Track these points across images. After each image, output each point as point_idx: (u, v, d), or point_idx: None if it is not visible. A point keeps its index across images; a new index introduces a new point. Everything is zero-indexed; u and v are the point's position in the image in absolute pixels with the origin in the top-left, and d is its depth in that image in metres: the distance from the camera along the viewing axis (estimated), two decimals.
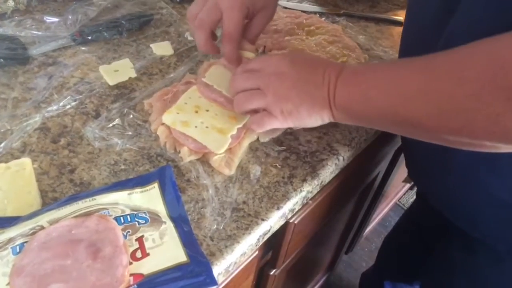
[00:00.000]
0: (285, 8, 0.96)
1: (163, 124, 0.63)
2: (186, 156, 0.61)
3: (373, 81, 0.51)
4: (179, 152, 0.61)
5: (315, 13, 0.97)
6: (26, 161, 0.58)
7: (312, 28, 0.87)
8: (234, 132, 0.62)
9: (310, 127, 0.60)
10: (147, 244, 0.49)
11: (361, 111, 0.53)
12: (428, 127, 0.48)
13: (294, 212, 0.64)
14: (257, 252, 0.68)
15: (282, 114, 0.57)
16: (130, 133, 0.64)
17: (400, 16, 0.98)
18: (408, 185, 1.87)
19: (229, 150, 0.62)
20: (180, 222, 0.53)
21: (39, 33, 0.77)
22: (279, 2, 0.97)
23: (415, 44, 0.64)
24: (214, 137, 0.61)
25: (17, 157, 0.59)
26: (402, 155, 1.09)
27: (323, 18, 0.94)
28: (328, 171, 0.66)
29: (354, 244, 1.65)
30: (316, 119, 0.57)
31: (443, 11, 0.56)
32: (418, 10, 0.63)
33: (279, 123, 0.59)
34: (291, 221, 0.69)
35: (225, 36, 0.63)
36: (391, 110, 0.50)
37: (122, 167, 0.60)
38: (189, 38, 0.83)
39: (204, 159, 0.62)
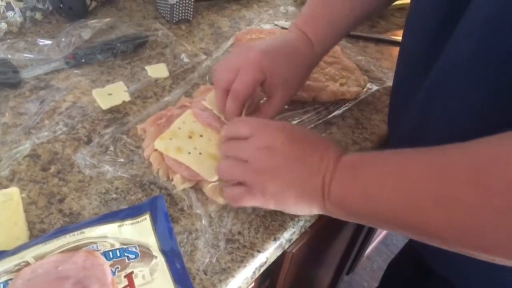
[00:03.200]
0: (283, 28, 0.95)
1: (156, 150, 0.61)
2: (179, 184, 0.59)
3: (375, 175, 0.46)
4: (172, 180, 0.60)
5: None
6: (14, 190, 0.56)
7: None
8: None
9: (293, 214, 0.56)
10: (137, 281, 0.47)
11: (360, 208, 0.47)
12: (446, 238, 0.41)
13: (292, 242, 0.61)
14: (252, 284, 0.66)
15: (264, 195, 0.51)
16: (122, 160, 0.62)
17: (400, 36, 0.97)
18: None
19: None
20: (172, 256, 0.50)
21: (32, 56, 0.75)
22: (277, 23, 0.96)
23: (412, 65, 0.61)
24: (207, 164, 0.59)
25: (6, 186, 0.57)
26: None
27: None
28: None
29: (355, 264, 1.63)
30: (303, 208, 0.52)
31: (441, 31, 0.51)
32: (414, 30, 0.60)
33: (258, 204, 0.53)
34: (288, 250, 0.67)
35: (231, 93, 0.60)
36: (397, 214, 0.44)
37: (113, 196, 0.58)
38: (185, 60, 0.82)
39: (198, 187, 0.60)
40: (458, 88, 0.48)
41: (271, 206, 0.53)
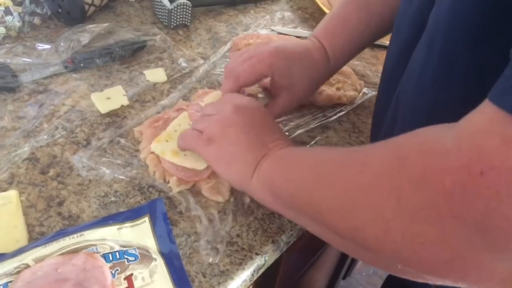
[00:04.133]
0: (280, 33, 0.96)
1: (152, 152, 0.61)
2: (175, 187, 0.59)
3: (300, 161, 0.49)
4: (169, 182, 0.60)
5: None
6: (13, 193, 0.56)
7: None
8: None
9: (224, 178, 0.58)
10: (136, 283, 0.47)
11: (280, 189, 0.49)
12: (327, 222, 0.42)
13: (290, 245, 0.62)
14: (251, 287, 0.66)
15: (208, 139, 0.55)
16: (120, 162, 0.63)
17: None
18: None
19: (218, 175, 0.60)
20: (171, 258, 0.51)
21: (30, 60, 0.76)
22: (274, 28, 0.97)
23: (395, 68, 0.62)
24: (202, 161, 0.59)
25: (5, 189, 0.57)
26: None
27: None
28: None
29: (351, 268, 1.63)
30: (233, 174, 0.54)
31: (411, 40, 0.52)
32: (393, 37, 0.61)
33: (199, 147, 0.56)
34: (286, 253, 0.68)
35: (232, 74, 0.63)
36: (310, 199, 0.44)
37: (112, 199, 0.58)
38: (183, 64, 0.82)
39: (196, 189, 0.61)
40: (414, 95, 0.50)
41: (209, 154, 0.56)
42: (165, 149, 0.60)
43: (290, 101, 0.67)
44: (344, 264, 1.40)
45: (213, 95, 0.69)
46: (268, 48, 0.64)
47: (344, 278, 1.65)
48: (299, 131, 0.73)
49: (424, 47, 0.47)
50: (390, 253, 0.36)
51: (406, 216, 0.33)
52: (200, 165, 0.60)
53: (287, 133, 0.72)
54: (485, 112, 0.29)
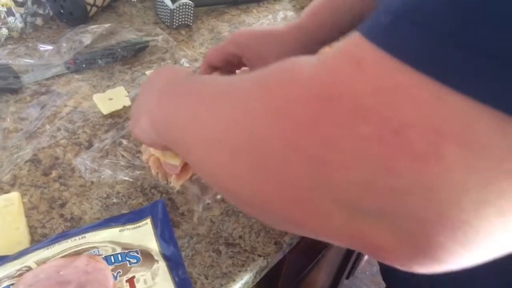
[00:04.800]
0: None
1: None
2: (176, 183, 0.59)
3: (179, 91, 0.43)
4: (170, 182, 0.60)
5: None
6: (15, 195, 0.56)
7: None
8: None
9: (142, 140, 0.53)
10: (139, 286, 0.47)
11: (162, 122, 0.45)
12: (191, 160, 0.39)
13: (292, 246, 0.62)
14: None
15: (134, 119, 0.52)
16: (123, 164, 0.63)
17: None
18: None
19: None
20: (174, 260, 0.51)
21: (32, 61, 0.76)
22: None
23: None
24: None
25: (7, 191, 0.57)
26: None
27: None
28: None
29: (355, 268, 1.63)
30: (143, 122, 0.49)
31: None
32: None
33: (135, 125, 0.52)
34: (289, 254, 0.67)
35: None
36: (182, 130, 0.40)
37: (115, 200, 0.58)
38: (185, 64, 0.82)
39: (197, 190, 0.60)
40: None
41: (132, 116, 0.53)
42: (166, 150, 0.60)
43: None
44: (347, 264, 1.40)
45: None
46: (239, 30, 0.67)
47: (347, 277, 1.64)
48: None
49: None
50: (238, 189, 0.32)
51: (256, 149, 0.29)
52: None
53: None
54: (350, 39, 0.25)
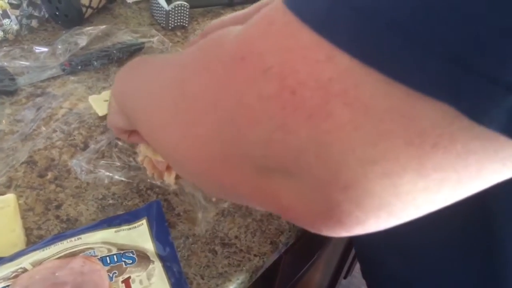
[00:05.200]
0: None
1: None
2: (170, 178, 0.59)
3: (140, 70, 0.44)
4: (165, 181, 0.60)
5: None
6: (10, 197, 0.56)
7: None
8: None
9: (113, 122, 0.53)
10: (134, 286, 0.47)
11: (121, 94, 0.46)
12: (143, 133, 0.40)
13: (288, 245, 0.62)
14: None
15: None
16: (118, 164, 0.63)
17: None
18: None
19: None
20: (169, 260, 0.51)
21: (28, 63, 0.76)
22: None
23: None
24: None
25: (2, 193, 0.57)
26: None
27: None
28: None
29: (352, 267, 1.63)
30: (112, 104, 0.51)
31: None
32: None
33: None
34: (285, 254, 0.68)
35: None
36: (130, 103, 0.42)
37: (110, 201, 0.58)
38: None
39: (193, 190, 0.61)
40: None
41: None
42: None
43: None
44: (345, 263, 1.40)
45: None
46: (210, 23, 0.65)
47: (345, 277, 1.64)
48: None
49: None
50: (165, 149, 0.35)
51: (186, 107, 0.31)
52: None
53: None
54: (268, 7, 0.26)
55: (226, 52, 0.27)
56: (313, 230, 0.27)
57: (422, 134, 0.21)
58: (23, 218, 0.55)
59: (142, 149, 0.62)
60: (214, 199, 0.60)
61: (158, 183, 0.61)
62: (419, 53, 0.19)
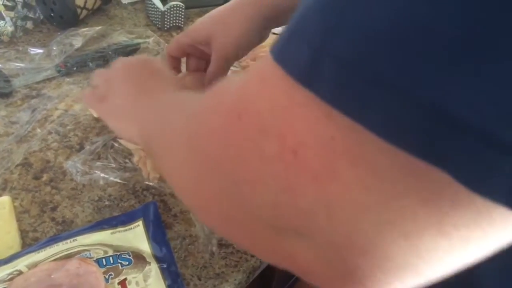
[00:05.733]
0: (274, 34, 0.96)
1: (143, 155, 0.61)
2: (153, 171, 0.59)
3: (157, 105, 0.46)
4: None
5: None
6: (6, 199, 0.56)
7: None
8: None
9: (117, 134, 0.56)
10: None
11: (144, 131, 0.47)
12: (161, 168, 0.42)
13: None
14: None
15: (100, 96, 0.54)
16: (114, 166, 0.62)
17: None
18: None
19: None
20: (166, 262, 0.50)
21: (23, 65, 0.75)
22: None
23: None
24: None
25: None
26: None
27: None
28: None
29: None
30: (124, 126, 0.52)
31: None
32: None
33: (94, 103, 0.56)
34: None
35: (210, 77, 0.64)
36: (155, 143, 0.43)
37: (106, 203, 0.58)
38: None
39: None
40: None
41: (103, 108, 0.55)
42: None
43: (223, 46, 0.64)
44: None
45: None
46: (197, 20, 0.66)
47: None
48: None
49: None
50: (184, 200, 0.36)
51: (183, 167, 0.32)
52: None
53: None
54: (264, 56, 0.25)
55: (222, 108, 0.27)
56: None
57: (436, 192, 0.19)
58: (19, 220, 0.55)
59: (139, 150, 0.62)
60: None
61: (155, 184, 0.61)
62: (407, 111, 0.18)
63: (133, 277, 0.47)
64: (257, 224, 0.26)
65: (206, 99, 0.31)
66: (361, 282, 0.23)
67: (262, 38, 0.68)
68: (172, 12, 0.89)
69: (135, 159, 0.62)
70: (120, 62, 0.57)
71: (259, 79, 0.24)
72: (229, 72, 0.69)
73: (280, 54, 0.22)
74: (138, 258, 0.49)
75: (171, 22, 0.91)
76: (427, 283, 0.23)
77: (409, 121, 0.18)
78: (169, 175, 0.37)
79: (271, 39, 0.88)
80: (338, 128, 0.20)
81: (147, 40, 0.86)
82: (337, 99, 0.20)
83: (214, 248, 0.55)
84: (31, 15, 0.84)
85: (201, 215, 0.33)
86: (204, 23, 0.64)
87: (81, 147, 0.65)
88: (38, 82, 0.74)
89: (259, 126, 0.23)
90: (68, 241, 0.50)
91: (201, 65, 0.68)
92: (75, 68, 0.76)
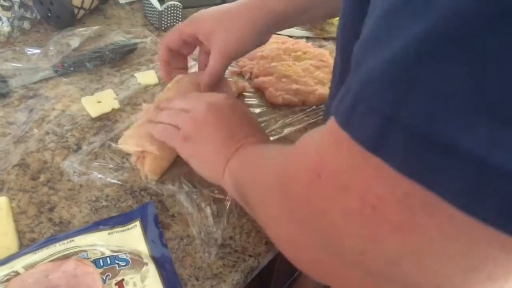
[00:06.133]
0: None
1: (143, 155, 0.61)
2: (140, 164, 0.61)
3: (250, 160, 0.50)
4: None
5: (302, 37, 0.96)
6: (3, 200, 0.56)
7: (299, 53, 0.86)
8: None
9: (200, 174, 0.58)
10: None
11: (238, 185, 0.51)
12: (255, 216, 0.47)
13: None
14: None
15: (184, 136, 0.56)
16: (112, 166, 0.62)
17: None
18: None
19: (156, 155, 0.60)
20: (163, 262, 0.50)
21: (20, 65, 0.75)
22: None
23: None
24: None
25: None
26: None
27: (310, 43, 0.93)
28: None
29: None
30: (208, 169, 0.56)
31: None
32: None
33: (176, 142, 0.57)
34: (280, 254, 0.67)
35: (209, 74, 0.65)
36: (248, 199, 0.48)
37: (104, 203, 0.58)
38: None
39: (186, 190, 0.60)
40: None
41: (185, 151, 0.57)
42: (139, 141, 0.60)
43: (225, 45, 0.65)
44: None
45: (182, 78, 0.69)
46: (197, 12, 0.67)
47: None
48: (289, 129, 0.73)
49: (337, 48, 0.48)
50: (278, 246, 0.40)
51: (276, 218, 0.36)
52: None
53: (278, 130, 0.72)
54: (329, 122, 0.28)
55: (306, 167, 0.29)
56: None
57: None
58: (16, 221, 0.55)
59: (136, 150, 0.62)
60: (208, 199, 0.59)
61: (152, 184, 0.60)
62: (484, 180, 0.19)
63: (130, 277, 0.47)
64: (348, 268, 0.29)
65: (290, 156, 0.35)
66: None
67: (262, 41, 0.69)
68: (169, 12, 0.89)
69: (132, 159, 0.62)
70: (206, 104, 0.57)
71: (334, 140, 0.26)
72: (227, 71, 0.70)
73: (347, 121, 0.24)
74: (136, 259, 0.49)
75: (169, 22, 0.91)
76: None
77: (489, 191, 0.19)
78: (264, 224, 0.42)
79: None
80: (411, 186, 0.21)
81: (145, 40, 0.86)
82: (405, 167, 0.21)
83: (212, 249, 0.54)
84: (28, 15, 0.84)
85: (296, 262, 0.36)
86: (208, 17, 0.65)
87: (78, 148, 0.64)
88: (35, 83, 0.74)
89: (336, 184, 0.26)
90: (65, 241, 0.50)
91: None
92: (72, 68, 0.76)
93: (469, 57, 0.18)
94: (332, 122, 0.27)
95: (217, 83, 0.67)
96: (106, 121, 0.70)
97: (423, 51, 0.19)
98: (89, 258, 0.48)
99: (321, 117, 0.76)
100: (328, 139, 0.27)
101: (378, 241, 0.24)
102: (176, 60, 0.70)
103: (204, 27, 0.64)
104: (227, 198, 0.60)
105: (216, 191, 0.61)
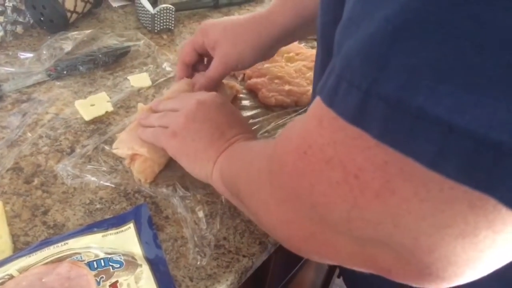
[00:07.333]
0: None
1: (135, 157, 0.61)
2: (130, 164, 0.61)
3: (237, 154, 0.51)
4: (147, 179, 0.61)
5: None
6: None
7: (291, 54, 0.87)
8: None
9: (189, 172, 0.58)
10: None
11: (226, 178, 0.51)
12: (245, 206, 0.47)
13: (278, 245, 0.62)
14: None
15: (171, 133, 0.56)
16: (105, 169, 0.62)
17: None
18: None
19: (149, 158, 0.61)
20: (157, 263, 0.51)
21: (13, 69, 0.75)
22: None
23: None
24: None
25: None
26: None
27: (303, 44, 0.94)
28: None
29: None
30: (198, 167, 0.56)
31: None
32: None
33: (163, 140, 0.57)
34: (275, 254, 0.68)
35: (207, 79, 0.67)
36: (232, 181, 0.49)
37: (98, 206, 0.58)
38: (167, 68, 0.82)
39: (181, 194, 0.61)
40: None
41: (172, 146, 0.57)
42: (131, 143, 0.61)
43: (227, 54, 0.66)
44: None
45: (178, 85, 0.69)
46: (204, 22, 0.69)
47: (339, 276, 1.64)
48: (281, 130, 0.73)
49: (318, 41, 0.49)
50: (270, 230, 0.42)
51: (267, 201, 0.37)
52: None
53: (271, 131, 0.73)
54: (316, 100, 0.30)
55: (292, 146, 0.31)
56: (418, 285, 0.30)
57: (482, 197, 0.22)
58: (10, 224, 0.55)
59: (129, 153, 0.62)
60: (200, 199, 0.60)
61: (146, 187, 0.61)
62: (454, 142, 0.21)
63: (124, 279, 0.48)
64: (339, 237, 0.31)
65: (278, 142, 0.36)
66: (437, 275, 0.27)
67: (266, 56, 0.70)
68: (162, 15, 0.89)
69: (126, 162, 0.62)
70: (195, 101, 0.58)
71: (317, 120, 0.28)
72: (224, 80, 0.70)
73: (330, 99, 0.26)
74: (130, 261, 0.50)
75: (162, 24, 0.91)
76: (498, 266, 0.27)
77: (454, 151, 0.21)
78: (256, 211, 0.42)
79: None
80: (388, 154, 0.24)
81: (138, 43, 0.87)
82: (384, 135, 0.23)
83: (206, 250, 0.55)
84: (21, 19, 0.84)
85: (286, 240, 0.38)
86: (215, 27, 0.66)
87: (72, 151, 0.65)
88: (28, 86, 0.74)
89: (322, 157, 0.28)
90: (59, 244, 0.50)
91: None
92: (65, 72, 0.76)
93: (434, 32, 0.20)
94: (316, 102, 0.29)
95: (213, 89, 0.68)
96: (100, 124, 0.70)
97: (395, 29, 0.22)
98: (83, 261, 0.48)
99: None
100: (312, 118, 0.29)
101: (363, 207, 0.27)
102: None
103: (210, 36, 0.66)
104: (221, 200, 0.61)
105: (210, 194, 0.61)
